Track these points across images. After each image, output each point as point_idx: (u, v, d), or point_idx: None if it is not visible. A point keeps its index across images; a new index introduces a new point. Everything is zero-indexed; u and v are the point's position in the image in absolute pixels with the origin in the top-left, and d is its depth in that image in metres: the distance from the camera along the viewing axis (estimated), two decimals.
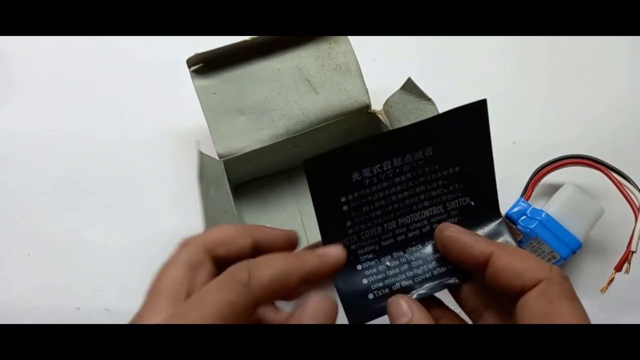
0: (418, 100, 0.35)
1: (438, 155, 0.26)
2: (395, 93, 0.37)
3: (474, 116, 0.26)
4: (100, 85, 0.46)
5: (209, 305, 0.20)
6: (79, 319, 0.37)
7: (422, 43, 0.48)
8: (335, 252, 0.24)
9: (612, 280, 0.35)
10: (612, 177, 0.37)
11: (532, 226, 0.36)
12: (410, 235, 0.27)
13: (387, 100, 0.38)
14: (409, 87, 0.36)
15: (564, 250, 0.35)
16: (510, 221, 0.37)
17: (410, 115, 0.36)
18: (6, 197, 0.42)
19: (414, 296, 0.26)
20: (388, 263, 0.27)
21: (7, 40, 0.47)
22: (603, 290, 0.35)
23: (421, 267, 0.27)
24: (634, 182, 0.36)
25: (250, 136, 0.37)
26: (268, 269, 0.21)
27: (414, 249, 0.27)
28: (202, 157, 0.33)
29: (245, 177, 0.41)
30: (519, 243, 0.37)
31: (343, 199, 0.26)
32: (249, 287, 0.20)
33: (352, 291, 0.26)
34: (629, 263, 0.34)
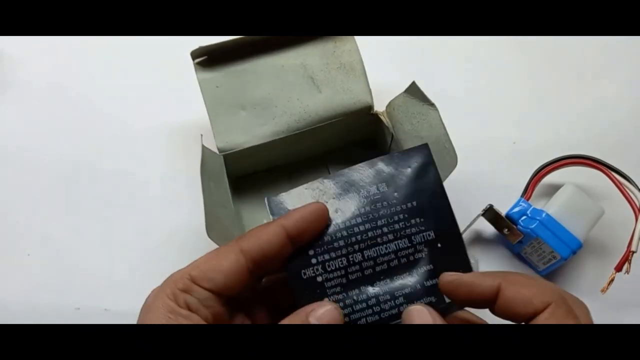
0: (421, 105, 0.35)
1: (393, 191, 0.27)
2: (399, 96, 0.37)
3: (419, 158, 0.28)
4: (100, 85, 0.46)
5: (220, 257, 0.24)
6: (79, 319, 0.37)
7: (420, 43, 0.48)
8: (313, 207, 0.26)
9: (612, 280, 0.35)
10: (612, 177, 0.37)
11: (533, 226, 0.36)
12: (377, 269, 0.27)
13: (390, 103, 0.38)
14: (413, 90, 0.36)
15: (564, 250, 0.35)
16: (510, 221, 0.37)
17: (413, 119, 0.36)
18: (6, 197, 0.42)
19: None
20: (355, 297, 0.26)
21: (5, 40, 0.47)
22: (603, 291, 0.35)
23: (388, 303, 0.26)
24: (634, 182, 0.36)
25: (251, 132, 0.37)
26: (256, 241, 0.24)
27: (381, 283, 0.27)
28: (204, 151, 0.34)
29: (246, 172, 0.41)
30: (520, 243, 0.37)
31: None
32: (242, 252, 0.24)
33: None
34: (630, 263, 0.34)
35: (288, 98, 0.38)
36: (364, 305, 0.26)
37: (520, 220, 0.37)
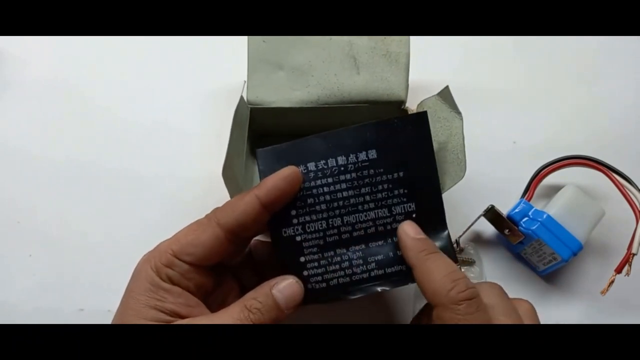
0: (449, 111, 0.35)
1: (381, 159, 0.28)
2: (431, 97, 0.37)
3: (415, 126, 0.28)
4: (101, 84, 0.46)
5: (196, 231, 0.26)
6: (83, 320, 0.37)
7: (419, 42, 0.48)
8: (286, 173, 0.27)
9: (612, 282, 0.35)
10: (613, 178, 0.37)
11: (534, 227, 0.36)
12: (355, 234, 0.28)
13: (421, 102, 0.38)
14: (445, 95, 0.36)
15: (565, 252, 0.35)
16: (512, 222, 0.37)
17: (437, 122, 0.36)
18: (6, 197, 0.42)
19: (350, 298, 0.28)
20: (330, 259, 0.28)
21: (6, 40, 0.47)
22: (603, 292, 0.35)
23: (360, 267, 0.28)
24: (635, 184, 0.36)
25: (282, 93, 0.38)
26: (232, 213, 0.26)
27: (356, 248, 0.28)
28: (241, 99, 0.36)
29: (269, 131, 0.42)
30: (520, 244, 0.38)
31: None
32: (219, 226, 0.26)
33: None
34: (630, 265, 0.34)
35: (326, 71, 0.38)
36: (337, 267, 0.28)
37: (522, 222, 0.37)
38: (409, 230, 0.27)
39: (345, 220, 0.28)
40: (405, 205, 0.28)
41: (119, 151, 0.43)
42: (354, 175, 0.28)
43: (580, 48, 0.48)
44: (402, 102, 0.39)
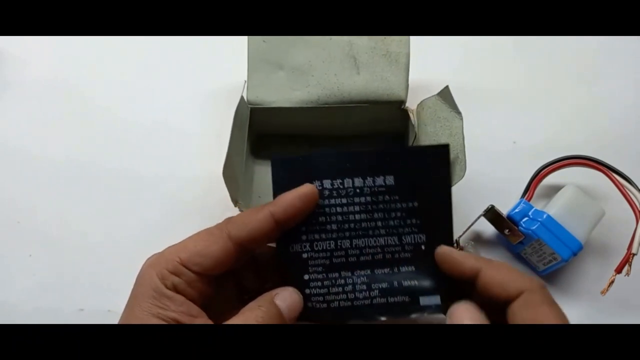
0: (449, 111, 0.35)
1: (398, 186, 0.27)
2: (431, 97, 0.37)
3: (436, 158, 0.28)
4: (101, 84, 0.46)
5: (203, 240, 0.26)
6: (83, 320, 0.37)
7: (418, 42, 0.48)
8: (303, 191, 0.26)
9: (612, 282, 0.35)
10: (613, 178, 0.37)
11: (534, 227, 0.36)
12: (362, 259, 0.27)
13: (421, 102, 0.38)
14: (445, 95, 0.36)
15: (565, 252, 0.35)
16: (512, 222, 0.37)
17: (437, 122, 0.36)
18: (6, 197, 0.42)
19: (349, 322, 0.27)
20: (333, 280, 0.27)
21: (6, 40, 0.47)
22: (603, 292, 0.35)
23: (363, 292, 0.27)
24: (635, 184, 0.36)
25: (282, 93, 0.38)
26: (244, 227, 0.26)
27: (362, 272, 0.27)
28: (242, 99, 0.36)
29: (268, 131, 0.42)
30: (520, 244, 0.38)
31: None
32: (230, 238, 0.26)
33: None
34: (630, 265, 0.34)
35: (326, 71, 0.38)
36: (340, 289, 0.27)
37: (521, 222, 0.37)
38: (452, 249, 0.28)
39: (354, 243, 0.27)
40: (416, 235, 0.28)
41: (119, 151, 0.43)
42: (368, 199, 0.27)
43: (580, 48, 0.48)
44: (402, 102, 0.39)
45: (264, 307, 0.25)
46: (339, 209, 0.27)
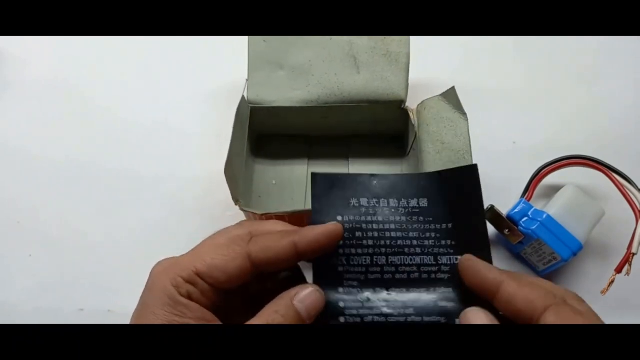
0: (453, 112, 0.35)
1: (432, 209, 0.28)
2: (434, 97, 0.37)
3: (466, 179, 0.28)
4: (101, 84, 0.46)
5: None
6: (83, 320, 0.37)
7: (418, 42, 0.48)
8: (330, 229, 0.26)
9: (612, 281, 0.35)
10: (613, 178, 0.37)
11: (534, 227, 0.36)
12: (397, 277, 0.27)
13: (423, 102, 0.38)
14: (449, 95, 0.36)
15: (564, 251, 0.35)
16: (511, 222, 0.37)
17: (441, 123, 0.36)
18: (6, 197, 0.42)
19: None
20: (369, 296, 0.27)
21: (6, 40, 0.47)
22: (604, 292, 0.35)
23: (397, 310, 0.27)
24: (635, 184, 0.36)
25: (283, 93, 0.38)
26: (265, 252, 0.25)
27: (397, 290, 0.27)
28: (243, 98, 0.37)
29: (269, 130, 0.42)
30: (520, 244, 0.38)
31: (339, 218, 0.27)
32: (249, 258, 0.25)
33: (327, 309, 0.26)
34: (630, 265, 0.34)
35: (326, 70, 0.38)
36: (374, 305, 0.27)
37: (521, 222, 0.37)
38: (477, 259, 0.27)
39: (390, 261, 0.27)
40: (452, 257, 0.27)
41: (119, 151, 0.43)
42: (404, 218, 0.28)
43: (580, 48, 0.48)
44: (402, 102, 0.39)
45: (282, 312, 0.25)
46: (375, 226, 0.28)
